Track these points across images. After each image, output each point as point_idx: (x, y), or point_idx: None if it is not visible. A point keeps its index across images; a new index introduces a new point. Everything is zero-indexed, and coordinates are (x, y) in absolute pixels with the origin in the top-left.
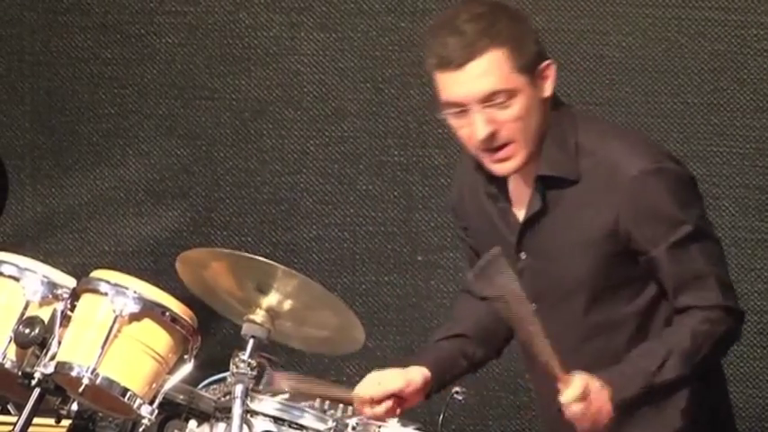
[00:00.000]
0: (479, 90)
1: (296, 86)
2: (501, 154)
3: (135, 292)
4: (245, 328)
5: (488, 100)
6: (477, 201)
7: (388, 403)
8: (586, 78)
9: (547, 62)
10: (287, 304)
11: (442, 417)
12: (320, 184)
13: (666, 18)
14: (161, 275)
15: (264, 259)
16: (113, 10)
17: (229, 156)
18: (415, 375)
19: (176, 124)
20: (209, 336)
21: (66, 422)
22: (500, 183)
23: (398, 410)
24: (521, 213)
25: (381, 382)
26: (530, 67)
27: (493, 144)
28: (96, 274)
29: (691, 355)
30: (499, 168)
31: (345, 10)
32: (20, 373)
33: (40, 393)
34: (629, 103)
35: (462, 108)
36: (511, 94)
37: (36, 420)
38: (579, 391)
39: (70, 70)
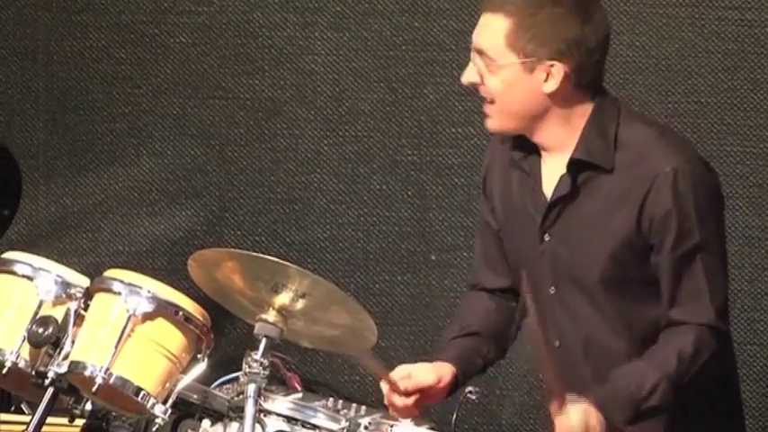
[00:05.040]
0: (476, 40)
1: (310, 86)
2: (484, 107)
3: (148, 291)
4: (258, 328)
5: (479, 54)
6: (507, 178)
7: (413, 398)
8: None
9: (553, 63)
10: (300, 304)
11: (455, 416)
12: (334, 184)
13: (680, 17)
14: (174, 275)
15: (277, 259)
16: (127, 10)
17: (243, 155)
18: (446, 372)
19: (190, 124)
20: (222, 335)
21: (79, 421)
22: (533, 162)
23: (417, 409)
24: (549, 192)
25: (413, 374)
26: (529, 54)
27: (478, 93)
28: (110, 273)
29: (677, 381)
30: (485, 121)
31: (359, 10)
32: (33, 373)
33: (53, 393)
34: (642, 102)
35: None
36: (492, 64)
37: (50, 420)
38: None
39: (84, 70)
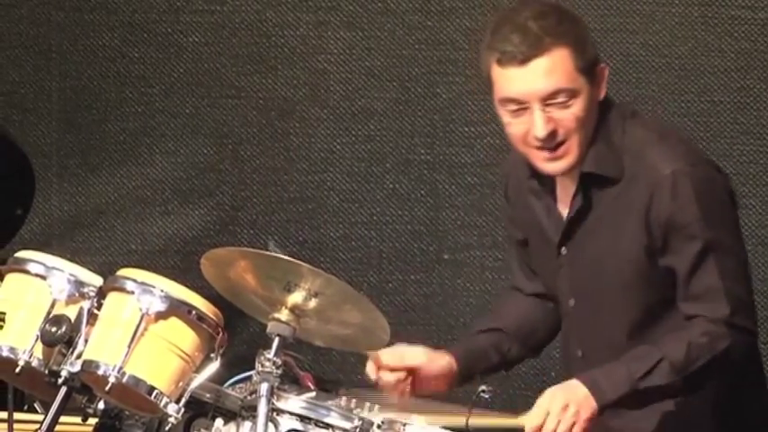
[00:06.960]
0: (542, 88)
1: (323, 85)
2: (557, 152)
3: (161, 290)
4: (271, 327)
5: (551, 98)
6: (522, 194)
7: (401, 375)
8: (613, 77)
9: (603, 64)
10: (313, 303)
11: (468, 415)
12: (347, 183)
13: (693, 16)
14: (188, 274)
15: (290, 258)
16: (140, 9)
17: (256, 154)
18: (442, 360)
19: (203, 123)
20: (235, 334)
21: (92, 421)
22: (544, 179)
23: (409, 390)
24: (564, 211)
25: (404, 353)
26: (589, 68)
27: (551, 143)
28: (123, 272)
29: (682, 366)
30: (551, 167)
31: (372, 9)
32: (46, 372)
33: (66, 392)
34: (655, 101)
35: (521, 105)
36: (572, 93)
37: (62, 419)
38: (539, 418)
39: (97, 69)
